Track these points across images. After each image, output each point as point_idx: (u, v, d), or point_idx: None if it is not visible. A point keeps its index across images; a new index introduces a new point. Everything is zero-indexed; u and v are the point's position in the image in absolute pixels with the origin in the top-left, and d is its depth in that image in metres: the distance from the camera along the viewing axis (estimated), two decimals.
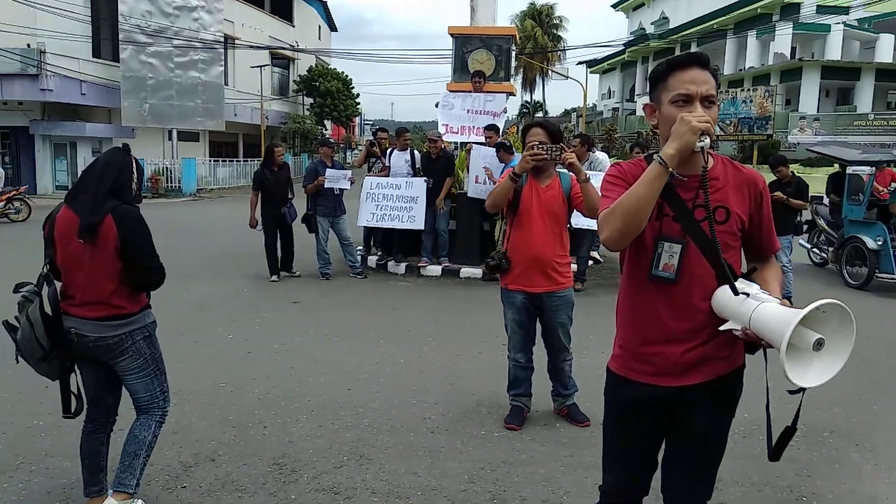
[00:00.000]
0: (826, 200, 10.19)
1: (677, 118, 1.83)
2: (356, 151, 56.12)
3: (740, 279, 1.91)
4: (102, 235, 2.79)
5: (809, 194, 8.08)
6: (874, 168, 8.78)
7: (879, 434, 4.19)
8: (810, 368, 1.72)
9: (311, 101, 40.41)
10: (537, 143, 3.90)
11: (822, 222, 9.96)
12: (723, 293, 1.89)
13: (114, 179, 2.89)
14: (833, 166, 25.84)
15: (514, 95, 11.22)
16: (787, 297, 7.60)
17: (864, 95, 34.42)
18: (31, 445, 3.80)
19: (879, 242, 8.50)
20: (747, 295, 1.83)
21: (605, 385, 2.22)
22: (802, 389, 1.79)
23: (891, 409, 4.62)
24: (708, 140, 1.82)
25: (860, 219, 8.77)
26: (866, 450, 3.96)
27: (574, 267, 8.53)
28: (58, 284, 2.92)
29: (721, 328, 1.89)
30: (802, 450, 3.92)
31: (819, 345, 1.69)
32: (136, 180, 3.00)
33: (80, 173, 14.63)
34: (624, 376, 2.12)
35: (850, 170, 8.98)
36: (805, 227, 9.63)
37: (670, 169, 1.81)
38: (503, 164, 7.74)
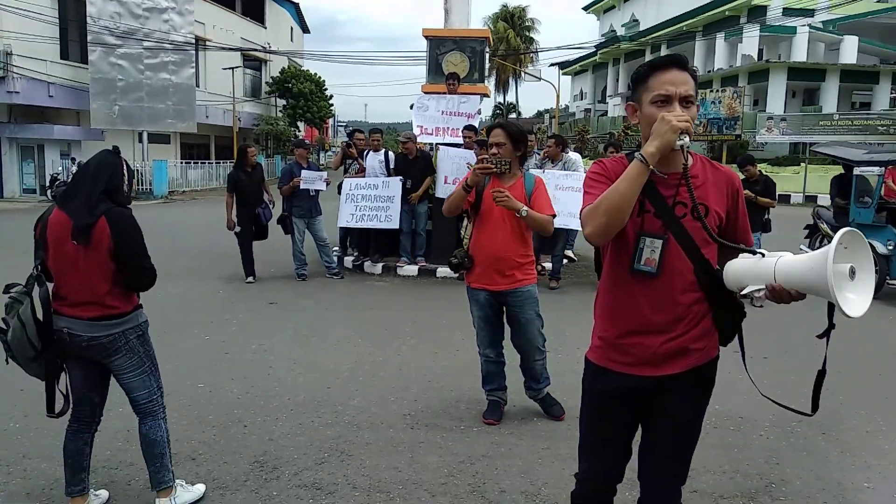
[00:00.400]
0: (826, 203, 9.99)
1: (658, 117, 1.91)
2: (329, 153, 55.95)
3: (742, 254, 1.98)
4: (96, 237, 2.82)
5: (777, 192, 8.25)
6: (883, 168, 8.35)
7: (845, 423, 4.33)
8: (849, 300, 1.77)
9: (283, 102, 40.20)
10: (486, 156, 4.00)
11: (825, 226, 9.38)
12: (737, 260, 1.95)
13: (106, 181, 2.91)
14: (800, 165, 26.36)
15: (488, 97, 11.31)
16: None
17: (830, 96, 35.08)
18: (7, 448, 3.78)
19: (890, 247, 8.07)
20: (763, 255, 1.88)
21: (584, 375, 2.29)
22: (828, 331, 1.92)
23: (855, 398, 4.77)
24: (687, 139, 1.90)
25: (869, 222, 8.18)
26: (833, 438, 4.09)
27: (548, 265, 8.64)
28: (49, 285, 2.93)
29: (743, 293, 1.93)
30: (771, 439, 4.05)
31: (853, 273, 1.75)
32: (126, 182, 3.03)
33: (47, 176, 14.52)
34: (603, 366, 2.19)
35: (857, 171, 8.45)
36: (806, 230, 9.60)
37: (651, 166, 1.89)
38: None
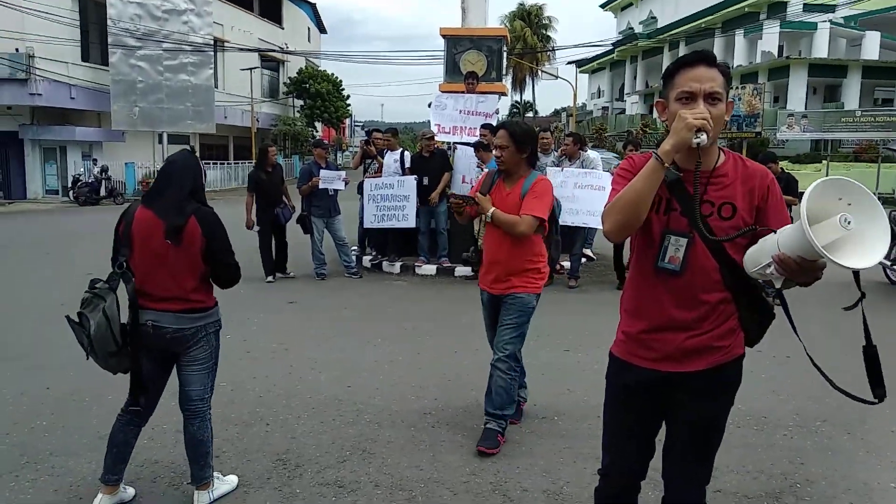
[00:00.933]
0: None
1: (676, 115, 1.90)
2: (347, 153, 56.10)
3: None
4: (187, 236, 2.97)
5: (799, 190, 8.17)
6: None
7: (870, 422, 4.27)
8: (857, 252, 1.68)
9: (301, 102, 40.41)
10: (454, 196, 4.13)
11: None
12: (753, 245, 1.92)
13: (192, 182, 3.07)
14: (821, 163, 26.04)
15: (505, 95, 11.29)
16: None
17: (852, 92, 34.67)
18: (35, 445, 3.83)
19: None
20: (774, 231, 1.86)
21: (608, 369, 2.30)
22: (860, 300, 1.87)
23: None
24: (704, 136, 1.86)
25: None
26: (858, 438, 4.05)
27: (567, 264, 8.62)
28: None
29: (755, 270, 1.90)
30: (796, 438, 4.01)
31: (846, 221, 1.66)
32: (203, 183, 3.19)
33: (69, 177, 14.75)
34: (627, 361, 2.20)
35: None
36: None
37: (667, 164, 1.88)
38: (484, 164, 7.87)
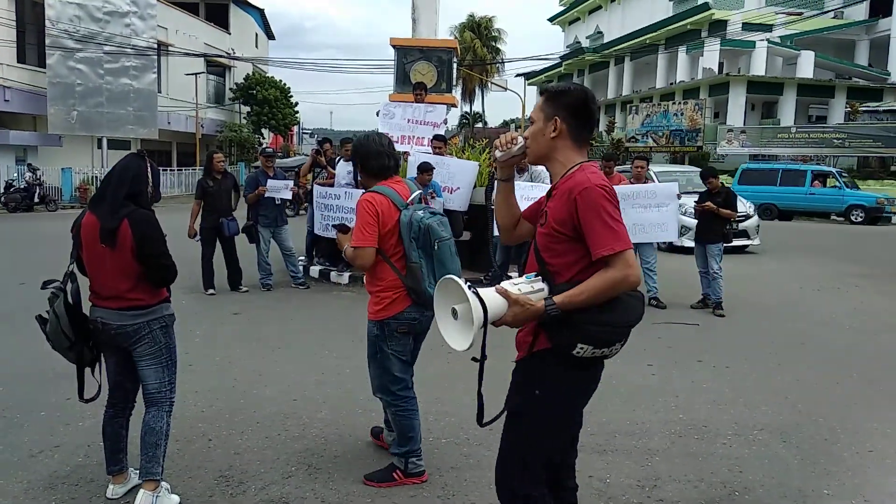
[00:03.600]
0: None
1: None
2: (294, 160, 55.40)
3: (528, 276, 2.26)
4: (120, 238, 3.04)
5: (738, 204, 8.42)
6: None
7: (804, 430, 4.42)
8: (454, 337, 2.15)
9: (247, 109, 39.84)
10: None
11: None
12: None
13: (130, 185, 3.12)
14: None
15: (455, 107, 11.36)
16: (717, 303, 7.81)
17: (787, 109, 36.00)
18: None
19: None
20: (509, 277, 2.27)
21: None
22: (481, 360, 2.22)
23: (814, 405, 4.88)
24: (498, 153, 2.37)
25: None
26: (793, 445, 4.18)
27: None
28: (86, 280, 3.19)
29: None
30: (734, 447, 4.12)
31: (454, 314, 2.13)
32: (151, 184, 3.22)
33: (2, 182, 14.38)
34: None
35: None
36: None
37: (501, 178, 2.51)
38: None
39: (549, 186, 6.46)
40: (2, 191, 22.91)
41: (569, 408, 2.37)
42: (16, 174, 23.14)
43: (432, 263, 3.32)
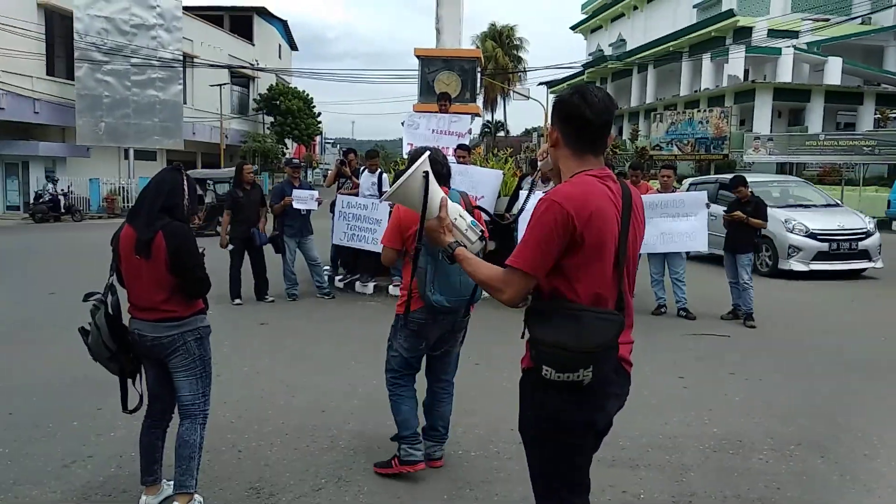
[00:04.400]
0: None
1: None
2: (317, 170, 55.82)
3: (473, 221, 2.36)
4: (154, 251, 3.07)
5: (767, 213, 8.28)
6: None
7: (843, 445, 4.31)
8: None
9: (271, 119, 40.21)
10: None
11: None
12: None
13: (165, 198, 3.16)
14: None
15: (479, 117, 11.35)
16: (748, 314, 7.67)
17: (815, 116, 35.51)
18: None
19: None
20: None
21: None
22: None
23: (852, 419, 4.76)
24: (540, 163, 2.38)
25: None
26: (831, 461, 4.07)
27: None
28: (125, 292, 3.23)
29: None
30: (771, 463, 4.02)
31: (426, 175, 2.28)
32: (188, 197, 3.25)
33: (31, 193, 14.70)
34: None
35: None
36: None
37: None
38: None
39: None
40: (31, 201, 23.35)
41: (563, 431, 2.13)
42: (42, 187, 23.50)
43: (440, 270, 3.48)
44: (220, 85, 33.03)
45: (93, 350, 3.17)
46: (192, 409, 3.25)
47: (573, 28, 60.34)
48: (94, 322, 3.14)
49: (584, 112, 2.10)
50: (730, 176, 10.03)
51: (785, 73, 36.52)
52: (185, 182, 3.25)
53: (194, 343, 3.22)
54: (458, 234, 2.25)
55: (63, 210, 23.09)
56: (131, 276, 3.16)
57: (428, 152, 2.48)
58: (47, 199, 22.79)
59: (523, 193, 8.41)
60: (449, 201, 2.27)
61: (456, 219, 2.25)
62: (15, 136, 24.15)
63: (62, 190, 23.70)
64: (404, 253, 3.67)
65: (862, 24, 38.07)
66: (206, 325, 3.33)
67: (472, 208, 3.63)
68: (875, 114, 34.24)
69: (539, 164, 2.41)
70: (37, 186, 24.00)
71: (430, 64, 10.43)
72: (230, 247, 8.54)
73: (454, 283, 3.45)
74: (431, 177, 2.26)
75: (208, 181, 19.80)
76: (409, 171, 2.28)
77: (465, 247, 2.24)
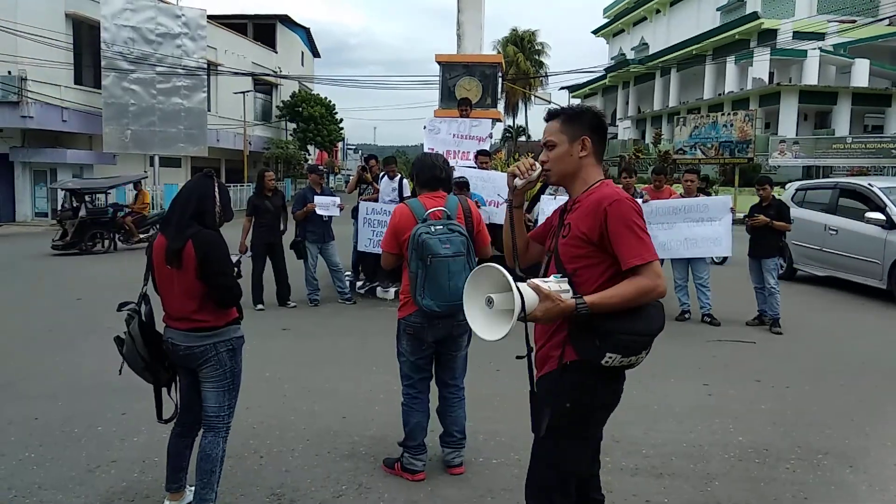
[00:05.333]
0: None
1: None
2: (339, 177, 56.09)
3: (554, 276, 2.25)
4: (185, 259, 3.07)
5: (791, 216, 8.15)
6: None
7: (872, 454, 4.22)
8: (487, 327, 2.08)
9: (294, 126, 40.50)
10: None
11: None
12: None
13: (195, 206, 3.14)
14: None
15: (500, 122, 11.33)
16: (774, 320, 7.57)
17: (842, 119, 35.03)
18: (24, 478, 3.72)
19: None
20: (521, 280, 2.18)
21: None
22: (527, 354, 2.29)
23: (882, 428, 4.66)
24: (518, 181, 2.41)
25: None
26: (860, 471, 3.99)
27: None
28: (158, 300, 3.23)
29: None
30: (798, 472, 3.95)
31: (489, 302, 2.07)
32: (219, 204, 3.23)
33: (59, 201, 14.77)
34: None
35: None
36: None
37: (514, 205, 2.51)
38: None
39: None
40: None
41: (597, 419, 2.38)
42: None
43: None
44: (244, 92, 33.31)
45: (128, 359, 3.17)
46: (217, 422, 3.22)
47: (595, 32, 60.14)
48: (129, 331, 3.14)
49: (605, 124, 2.43)
50: (846, 179, 9.47)
51: (811, 76, 36.08)
52: (217, 189, 3.23)
53: (226, 354, 3.19)
54: (562, 295, 2.14)
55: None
56: (164, 285, 3.16)
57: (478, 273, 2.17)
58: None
59: (545, 198, 8.38)
60: (526, 287, 2.08)
61: (549, 286, 2.13)
62: (44, 143, 24.55)
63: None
64: (401, 257, 3.75)
65: (889, 25, 37.44)
66: (240, 335, 3.29)
67: (469, 212, 3.83)
68: None
69: (519, 182, 2.43)
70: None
71: (451, 70, 10.45)
72: (249, 253, 8.59)
73: (443, 287, 3.50)
74: (512, 283, 2.02)
75: (85, 193, 17.18)
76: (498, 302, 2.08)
77: (566, 297, 2.14)
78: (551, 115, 2.42)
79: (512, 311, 1.98)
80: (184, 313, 3.12)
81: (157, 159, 26.88)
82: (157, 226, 3.28)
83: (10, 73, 22.56)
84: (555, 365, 2.29)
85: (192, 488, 3.33)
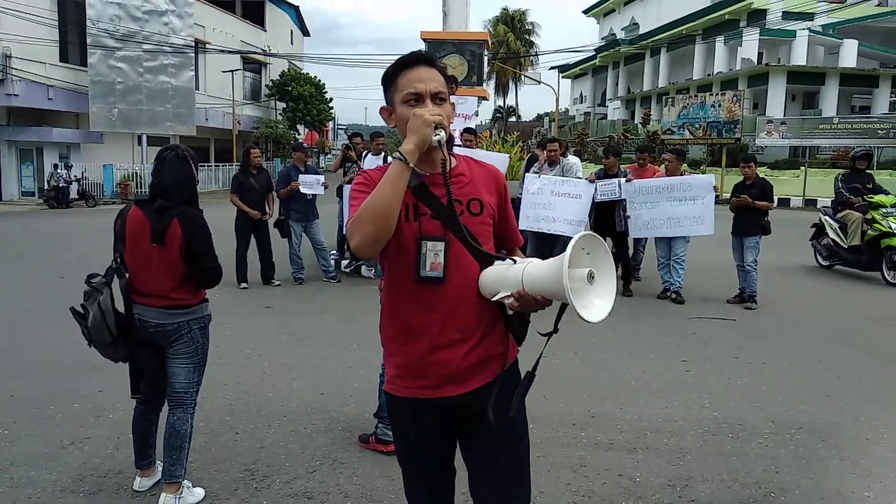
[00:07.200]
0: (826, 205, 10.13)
1: (410, 115, 1.84)
2: (329, 156, 55.82)
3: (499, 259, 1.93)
4: (168, 238, 3.07)
5: (773, 195, 8.16)
6: None
7: (845, 429, 4.27)
8: (589, 305, 1.71)
9: (283, 105, 40.21)
10: None
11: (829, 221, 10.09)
12: (490, 268, 1.89)
13: (179, 187, 3.15)
14: (799, 169, 26.32)
15: (486, 100, 11.27)
16: (751, 296, 7.62)
17: (829, 99, 35.07)
18: None
19: None
20: (514, 261, 1.86)
21: (388, 410, 2.13)
22: (551, 334, 1.85)
23: (856, 404, 4.71)
24: (443, 133, 1.82)
25: None
26: (832, 445, 4.03)
27: None
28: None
29: (494, 298, 1.84)
30: (770, 447, 3.99)
31: (591, 277, 1.72)
32: (197, 184, 3.24)
33: (46, 179, 14.57)
34: (405, 396, 1.99)
35: None
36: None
37: (411, 164, 1.78)
38: None
39: (578, 182, 6.32)
40: (45, 187, 23.52)
41: None
42: (50, 174, 23.57)
43: None
44: (233, 71, 33.01)
45: (91, 334, 3.10)
46: (185, 398, 3.23)
47: (586, 12, 59.81)
48: (98, 305, 3.07)
49: None
50: None
51: (799, 56, 36.08)
52: (194, 168, 3.26)
53: (198, 331, 3.21)
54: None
55: (77, 195, 23.29)
56: (139, 261, 3.11)
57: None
58: (61, 184, 22.94)
59: (529, 176, 8.37)
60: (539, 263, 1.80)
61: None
62: (30, 122, 24.30)
63: (76, 176, 23.88)
64: None
65: (878, 5, 37.45)
66: (209, 313, 3.32)
67: None
68: (891, 97, 33.75)
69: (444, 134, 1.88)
70: (50, 171, 24.15)
71: (438, 48, 10.35)
72: (265, 216, 8.66)
73: None
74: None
75: None
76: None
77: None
78: (428, 61, 1.96)
79: (609, 284, 1.74)
80: (160, 291, 3.10)
81: (144, 138, 26.63)
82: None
83: None
84: (505, 364, 1.98)
85: (162, 464, 3.34)
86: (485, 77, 11.20)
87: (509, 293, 1.78)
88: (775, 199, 8.51)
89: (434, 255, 1.88)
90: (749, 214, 7.81)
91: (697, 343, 6.25)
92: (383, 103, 2.01)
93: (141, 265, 3.11)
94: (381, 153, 9.33)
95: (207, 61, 32.12)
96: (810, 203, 23.19)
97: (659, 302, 7.97)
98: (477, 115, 9.82)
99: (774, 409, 4.58)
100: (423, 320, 1.91)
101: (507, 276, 1.81)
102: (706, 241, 8.68)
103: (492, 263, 1.91)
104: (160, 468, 3.38)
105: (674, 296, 7.95)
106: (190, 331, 3.17)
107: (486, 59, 10.80)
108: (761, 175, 8.44)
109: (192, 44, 27.85)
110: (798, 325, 7.04)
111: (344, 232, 9.38)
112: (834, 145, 29.12)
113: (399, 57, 1.98)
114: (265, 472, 3.57)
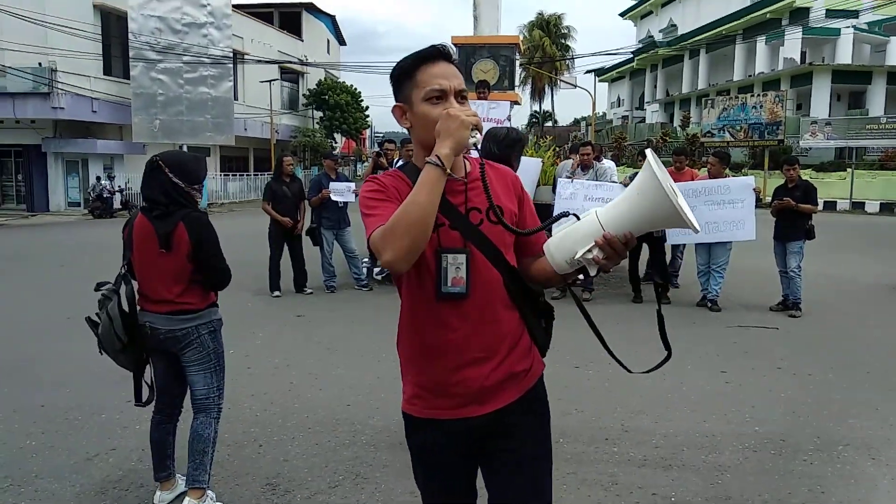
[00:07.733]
0: (873, 209, 9.76)
1: (443, 115, 1.65)
2: (366, 164, 56.16)
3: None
4: (175, 242, 3.05)
5: (818, 197, 7.86)
6: None
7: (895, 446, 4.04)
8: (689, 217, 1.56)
9: (320, 114, 40.58)
10: None
11: None
12: (554, 236, 1.71)
13: (163, 195, 3.07)
14: (846, 171, 25.55)
15: (518, 104, 11.14)
16: (794, 303, 7.33)
17: (877, 98, 34.05)
18: (21, 466, 3.71)
19: None
20: (577, 217, 1.66)
21: (405, 430, 1.95)
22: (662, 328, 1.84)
23: None
24: (479, 136, 1.65)
25: None
26: (882, 463, 3.81)
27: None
28: (135, 284, 3.20)
29: (576, 257, 1.64)
30: (816, 464, 3.78)
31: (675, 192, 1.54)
32: (183, 183, 3.11)
33: (90, 189, 14.89)
34: (426, 417, 1.86)
35: None
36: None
37: (448, 170, 1.60)
38: None
39: (612, 186, 6.14)
40: (91, 198, 24.10)
41: None
42: (91, 186, 24.15)
43: None
44: (270, 81, 33.42)
45: (103, 342, 3.10)
46: (207, 404, 3.20)
47: (623, 14, 59.23)
48: (107, 312, 3.07)
49: None
50: None
51: (844, 55, 35.14)
52: (171, 172, 3.09)
53: (208, 336, 3.18)
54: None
55: (121, 205, 23.86)
56: (147, 267, 3.11)
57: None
58: (105, 195, 23.50)
59: (561, 181, 8.22)
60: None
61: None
62: (75, 134, 24.94)
63: (119, 186, 24.44)
64: None
65: None
66: (219, 317, 3.28)
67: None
68: None
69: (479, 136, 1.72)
70: (94, 182, 24.74)
71: (469, 52, 10.28)
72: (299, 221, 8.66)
73: None
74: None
75: None
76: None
77: None
78: (448, 56, 1.80)
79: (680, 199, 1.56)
80: (167, 296, 3.09)
81: (185, 148, 27.07)
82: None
83: (40, 64, 22.94)
84: (532, 380, 1.91)
85: (183, 477, 3.29)
86: (517, 81, 11.07)
87: (592, 244, 1.60)
88: (820, 202, 8.19)
89: (455, 269, 1.75)
90: (792, 218, 7.53)
91: (738, 353, 6.02)
92: None
93: (149, 271, 3.12)
94: (410, 160, 9.26)
95: (246, 72, 32.60)
96: (858, 206, 22.47)
97: (697, 310, 7.73)
98: (509, 120, 9.69)
99: (820, 424, 4.36)
100: (445, 338, 1.79)
101: (579, 230, 1.63)
102: (747, 247, 8.41)
103: (511, 271, 1.79)
104: (181, 482, 3.34)
105: (710, 304, 7.71)
106: (199, 336, 3.14)
107: (517, 62, 10.68)
108: (805, 178, 8.13)
109: (231, 55, 28.28)
110: (845, 334, 6.74)
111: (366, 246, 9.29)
112: (882, 146, 28.23)
113: (415, 51, 1.81)
114: (287, 486, 3.50)
